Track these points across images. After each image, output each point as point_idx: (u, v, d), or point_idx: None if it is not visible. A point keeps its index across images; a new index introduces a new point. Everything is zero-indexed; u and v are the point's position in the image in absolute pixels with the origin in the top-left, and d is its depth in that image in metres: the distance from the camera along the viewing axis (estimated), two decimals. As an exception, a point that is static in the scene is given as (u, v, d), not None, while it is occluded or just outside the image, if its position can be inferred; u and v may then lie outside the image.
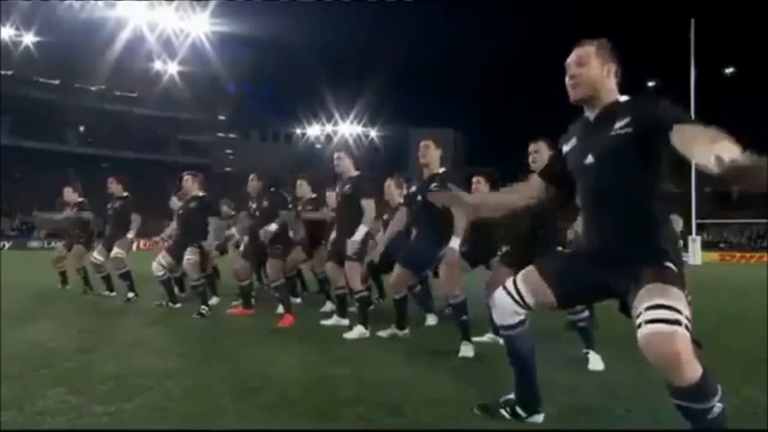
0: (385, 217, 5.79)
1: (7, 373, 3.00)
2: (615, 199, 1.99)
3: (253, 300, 5.80)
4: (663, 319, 1.75)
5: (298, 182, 6.40)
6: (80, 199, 7.58)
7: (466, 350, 3.62)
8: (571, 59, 2.10)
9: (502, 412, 2.39)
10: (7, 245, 30.74)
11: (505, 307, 2.22)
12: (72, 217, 7.50)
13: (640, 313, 1.80)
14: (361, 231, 4.44)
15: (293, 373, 3.19)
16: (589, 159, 2.04)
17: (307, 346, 4.02)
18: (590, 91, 2.06)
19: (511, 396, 2.40)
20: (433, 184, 3.93)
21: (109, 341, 4.09)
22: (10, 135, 41.60)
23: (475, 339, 3.81)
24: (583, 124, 2.15)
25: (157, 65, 45.71)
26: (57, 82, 45.42)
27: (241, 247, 5.82)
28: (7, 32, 39.66)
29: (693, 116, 1.84)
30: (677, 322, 1.75)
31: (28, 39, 40.83)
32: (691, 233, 24.75)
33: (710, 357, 3.67)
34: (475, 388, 2.87)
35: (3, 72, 39.97)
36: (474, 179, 5.03)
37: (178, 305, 5.97)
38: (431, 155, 4.03)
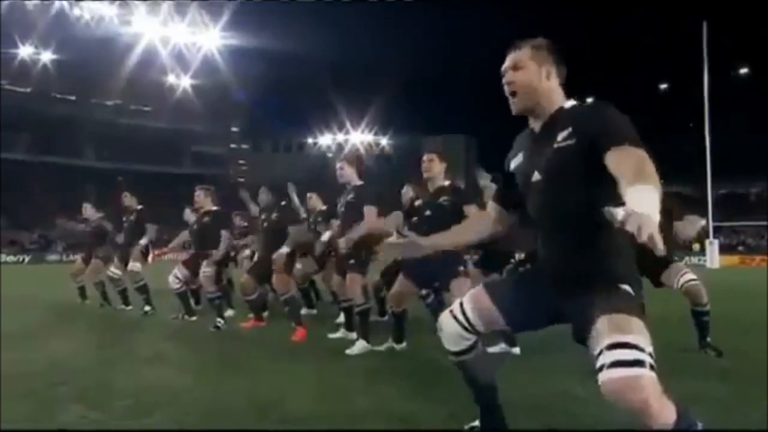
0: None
1: (26, 389, 3.05)
2: (564, 217, 1.82)
3: (267, 312, 5.83)
4: (626, 361, 1.56)
5: (308, 195, 6.43)
6: (100, 214, 7.67)
7: None
8: (506, 65, 1.91)
9: None
10: (26, 259, 31.24)
11: (451, 332, 2.03)
12: (92, 227, 7.56)
13: (601, 353, 1.61)
14: (358, 230, 4.36)
15: (309, 386, 3.19)
16: (536, 176, 1.86)
17: (322, 358, 4.02)
18: (531, 99, 1.88)
19: (476, 424, 2.28)
20: (442, 198, 3.92)
21: (127, 356, 4.13)
22: (28, 151, 42.48)
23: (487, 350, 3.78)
24: (528, 137, 1.97)
25: (171, 79, 46.44)
26: (73, 98, 46.33)
27: (246, 262, 5.80)
28: (26, 51, 40.63)
29: (628, 133, 1.63)
30: (641, 363, 1.56)
31: (46, 57, 41.76)
32: (708, 236, 24.39)
33: (731, 367, 3.64)
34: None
35: (21, 89, 40.88)
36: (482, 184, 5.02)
37: (194, 318, 6.02)
38: (435, 169, 4.01)
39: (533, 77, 1.86)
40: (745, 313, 6.73)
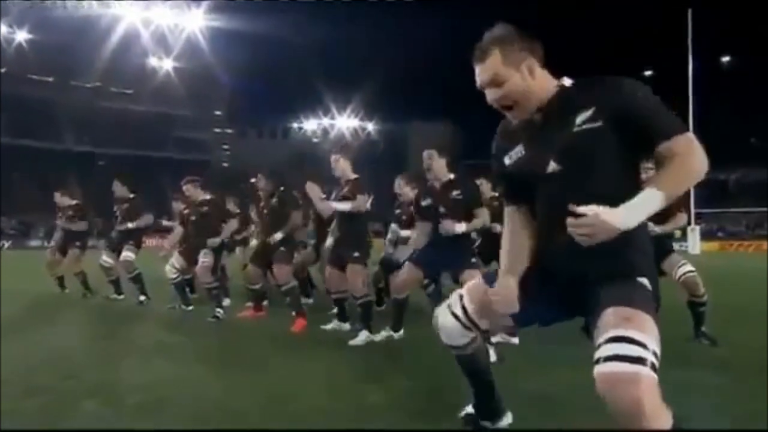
0: (397, 212, 5.80)
1: (37, 383, 3.04)
2: (593, 188, 1.64)
3: (266, 302, 5.82)
4: (625, 356, 1.44)
5: (308, 185, 6.36)
6: (73, 202, 7.46)
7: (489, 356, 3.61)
8: (482, 80, 1.71)
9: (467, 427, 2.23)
10: (6, 244, 30.64)
11: (450, 330, 1.93)
12: (67, 215, 7.31)
13: (600, 345, 1.50)
14: (347, 204, 4.45)
15: (318, 379, 3.21)
16: (552, 165, 1.69)
17: (326, 350, 4.04)
18: (529, 102, 1.71)
19: (470, 409, 2.23)
20: (455, 192, 3.94)
21: (130, 349, 4.11)
22: (5, 134, 41.38)
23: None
24: (525, 126, 1.77)
25: (153, 61, 45.48)
26: (51, 79, 45.15)
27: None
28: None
29: (672, 121, 1.59)
30: (642, 361, 1.43)
31: (21, 36, 40.53)
32: (690, 223, 24.84)
33: (725, 355, 3.71)
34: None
35: (-3, 70, 39.71)
36: (477, 181, 5.03)
37: (191, 307, 6.00)
38: (436, 165, 3.99)
39: (519, 84, 1.67)
40: (734, 299, 6.80)
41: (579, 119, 1.63)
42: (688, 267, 4.08)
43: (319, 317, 5.20)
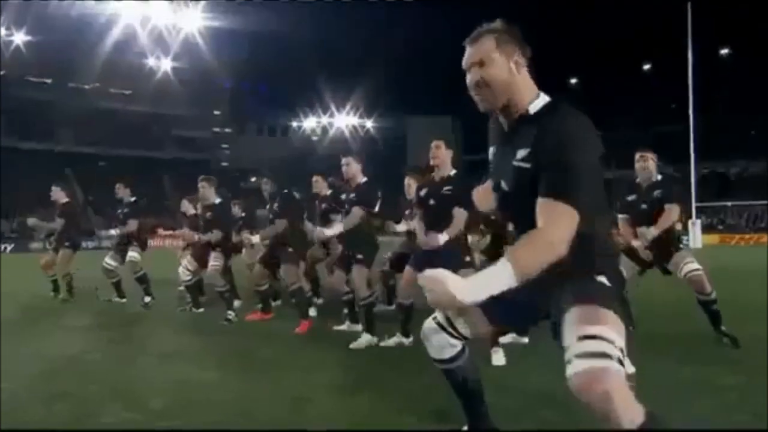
0: (407, 213, 5.81)
1: (61, 388, 3.08)
2: (534, 222, 1.67)
3: (279, 301, 5.84)
4: (592, 353, 1.49)
5: (314, 178, 6.39)
6: (66, 200, 7.45)
7: (498, 359, 3.60)
8: (469, 60, 1.71)
9: None
10: (8, 248, 30.58)
11: (437, 341, 1.95)
12: (58, 214, 7.26)
13: (569, 346, 1.54)
14: (336, 228, 4.50)
15: (336, 380, 3.25)
16: (503, 185, 1.79)
17: (339, 351, 4.06)
18: (501, 96, 1.70)
19: (465, 429, 2.21)
20: (446, 188, 3.93)
21: (147, 353, 4.14)
22: (5, 136, 41.29)
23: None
24: (500, 132, 1.82)
25: (151, 62, 45.37)
26: (49, 81, 45.06)
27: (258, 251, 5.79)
28: (-2, 32, 39.23)
29: (563, 183, 1.59)
30: (608, 356, 1.49)
31: (19, 38, 40.42)
32: (690, 217, 24.82)
33: (736, 353, 3.70)
34: (513, 393, 2.91)
35: (-5, 73, 39.61)
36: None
37: (201, 309, 6.03)
38: (443, 155, 4.00)
39: (502, 72, 1.67)
40: (744, 294, 6.71)
41: (519, 154, 1.68)
42: (694, 265, 3.99)
43: (332, 317, 5.22)
